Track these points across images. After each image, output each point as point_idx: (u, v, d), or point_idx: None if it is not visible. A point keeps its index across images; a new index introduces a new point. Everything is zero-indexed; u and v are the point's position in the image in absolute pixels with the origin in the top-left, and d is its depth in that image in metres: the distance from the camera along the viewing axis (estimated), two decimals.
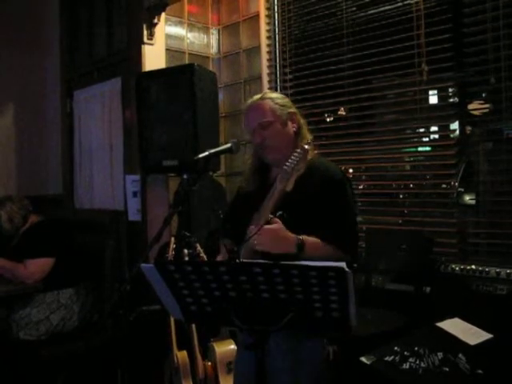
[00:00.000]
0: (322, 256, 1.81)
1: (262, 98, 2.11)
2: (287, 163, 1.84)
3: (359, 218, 3.43)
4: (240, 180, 2.37)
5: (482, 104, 2.96)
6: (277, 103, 2.09)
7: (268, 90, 2.23)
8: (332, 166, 2.10)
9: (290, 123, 2.10)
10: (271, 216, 1.83)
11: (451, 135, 3.08)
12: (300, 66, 3.77)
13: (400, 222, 3.29)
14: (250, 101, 2.17)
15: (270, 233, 1.82)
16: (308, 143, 1.90)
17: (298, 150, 1.84)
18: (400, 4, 3.21)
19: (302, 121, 2.16)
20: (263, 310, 1.48)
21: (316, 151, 2.18)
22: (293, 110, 2.14)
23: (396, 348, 2.07)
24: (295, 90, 3.80)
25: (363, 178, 3.63)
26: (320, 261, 1.55)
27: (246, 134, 2.22)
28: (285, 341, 1.93)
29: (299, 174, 1.86)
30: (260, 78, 3.94)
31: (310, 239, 1.89)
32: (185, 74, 3.33)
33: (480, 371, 1.86)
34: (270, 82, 3.92)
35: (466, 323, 2.22)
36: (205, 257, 2.64)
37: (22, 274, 3.29)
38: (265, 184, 2.11)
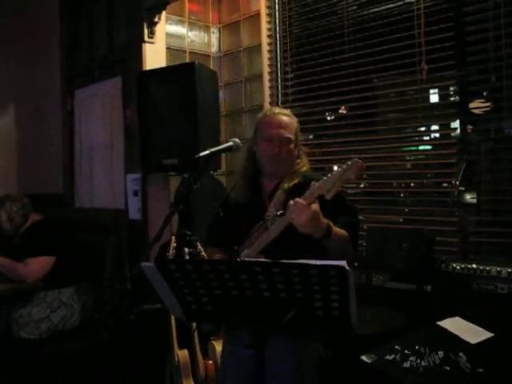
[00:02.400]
0: (340, 246, 2.00)
1: (290, 116, 2.28)
2: (330, 174, 1.94)
3: (360, 217, 3.43)
4: (231, 189, 2.44)
5: (482, 102, 2.96)
6: (297, 126, 2.29)
7: (286, 109, 2.39)
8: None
9: (298, 144, 2.30)
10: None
11: (452, 134, 3.08)
12: (301, 65, 3.77)
13: (401, 220, 3.29)
14: (277, 111, 2.31)
15: (313, 213, 1.88)
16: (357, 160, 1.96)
17: (349, 163, 1.93)
18: (401, 2, 3.20)
19: (304, 148, 2.39)
20: (264, 308, 1.47)
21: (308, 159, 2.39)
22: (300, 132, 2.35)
23: (397, 347, 2.07)
24: (296, 88, 3.80)
25: (364, 176, 3.62)
26: (337, 251, 1.87)
27: (259, 138, 2.30)
28: (286, 341, 1.93)
29: (295, 182, 2.14)
30: (261, 76, 3.94)
31: (337, 228, 2.00)
32: (185, 72, 3.33)
33: (481, 370, 1.86)
34: (270, 80, 3.91)
35: (466, 322, 2.22)
36: (205, 255, 2.64)
37: (22, 272, 3.29)
38: (258, 196, 2.27)
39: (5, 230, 3.43)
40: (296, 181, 2.18)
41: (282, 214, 1.96)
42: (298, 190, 2.05)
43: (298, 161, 2.29)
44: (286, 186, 2.18)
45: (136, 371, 3.18)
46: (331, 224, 1.96)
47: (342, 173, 1.91)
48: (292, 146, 2.23)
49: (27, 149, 4.65)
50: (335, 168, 1.96)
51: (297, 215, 1.88)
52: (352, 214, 2.22)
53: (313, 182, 1.93)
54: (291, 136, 2.22)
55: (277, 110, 2.33)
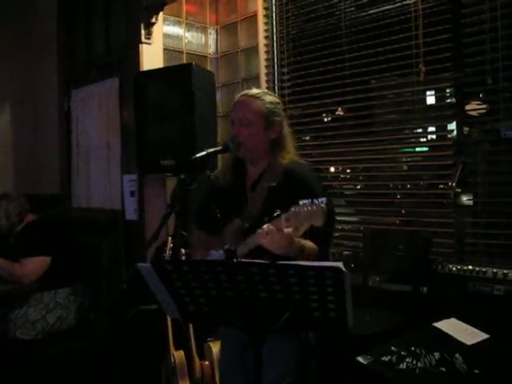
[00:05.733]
0: (308, 259, 1.85)
1: (255, 96, 2.12)
2: (298, 208, 1.72)
3: (357, 218, 3.44)
4: (218, 172, 2.37)
5: (479, 104, 2.96)
6: (267, 107, 2.10)
7: (266, 91, 2.25)
8: (308, 174, 2.11)
9: (271, 130, 2.11)
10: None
11: (449, 136, 3.09)
12: (298, 66, 3.78)
13: (397, 222, 3.29)
14: (244, 92, 2.17)
15: (287, 239, 1.76)
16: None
17: (314, 208, 1.72)
18: (398, 4, 3.21)
19: (287, 131, 2.17)
20: (260, 309, 1.48)
21: (296, 157, 2.18)
22: (280, 118, 2.14)
23: (393, 348, 2.07)
24: (293, 89, 3.81)
25: (361, 178, 3.63)
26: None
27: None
28: (283, 342, 1.93)
29: (275, 184, 1.97)
30: (258, 77, 3.94)
31: (306, 243, 1.90)
32: (183, 73, 3.33)
33: (476, 371, 1.86)
34: (267, 81, 3.92)
35: (462, 323, 2.22)
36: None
37: (18, 272, 3.28)
38: (242, 181, 2.17)
39: (1, 227, 3.43)
40: (277, 181, 2.03)
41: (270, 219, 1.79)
42: (278, 190, 1.98)
43: (280, 153, 2.09)
44: (266, 185, 2.05)
45: (132, 372, 3.18)
46: (304, 244, 1.87)
47: (310, 216, 1.70)
48: (254, 128, 2.07)
49: (24, 149, 4.65)
50: (303, 203, 1.72)
51: (267, 241, 1.76)
52: (329, 225, 2.01)
53: (282, 215, 1.74)
54: (250, 116, 2.06)
55: (246, 91, 2.17)
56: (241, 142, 2.07)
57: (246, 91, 2.18)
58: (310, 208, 1.68)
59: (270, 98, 2.16)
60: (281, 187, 2.02)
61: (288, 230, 1.74)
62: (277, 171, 2.07)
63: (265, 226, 1.79)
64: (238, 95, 2.18)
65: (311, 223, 1.69)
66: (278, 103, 2.18)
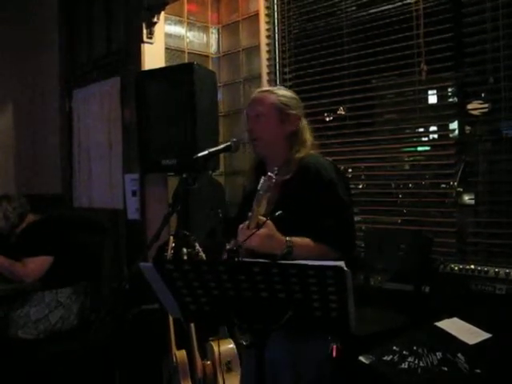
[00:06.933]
0: (312, 256, 1.77)
1: (268, 91, 2.13)
2: (258, 187, 1.80)
3: (358, 218, 3.43)
4: (243, 179, 2.39)
5: (481, 104, 2.96)
6: (281, 100, 2.08)
7: (281, 86, 2.27)
8: (324, 165, 2.07)
9: (287, 123, 2.09)
10: (263, 219, 1.81)
11: (450, 135, 3.08)
12: (299, 65, 3.77)
13: (399, 221, 3.29)
14: (259, 89, 2.19)
15: (259, 238, 1.80)
16: (275, 172, 1.81)
17: (264, 178, 1.79)
18: (399, 3, 3.20)
19: (305, 125, 2.16)
20: (262, 309, 1.47)
21: (313, 150, 2.17)
22: (295, 112, 2.11)
23: (395, 347, 2.07)
24: (294, 89, 3.77)
25: (362, 177, 3.62)
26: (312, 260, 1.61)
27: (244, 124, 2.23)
28: (287, 339, 1.92)
29: (289, 177, 1.96)
30: (259, 77, 3.94)
31: (299, 240, 1.88)
32: (184, 73, 3.33)
33: (479, 371, 1.86)
34: (269, 81, 3.91)
35: (464, 323, 2.22)
36: (203, 256, 2.64)
37: (20, 272, 3.29)
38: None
39: (0, 228, 3.44)
40: (290, 175, 2.01)
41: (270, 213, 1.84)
42: (292, 184, 1.97)
43: (297, 147, 2.08)
44: (280, 179, 1.97)
45: (134, 372, 3.18)
46: (295, 241, 1.86)
47: (268, 187, 1.78)
48: (268, 121, 2.05)
49: (25, 149, 4.65)
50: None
51: (247, 241, 1.79)
52: (337, 214, 1.98)
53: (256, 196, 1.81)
54: (263, 109, 2.05)
55: (261, 88, 2.21)
56: (256, 137, 2.07)
57: (260, 88, 2.21)
58: (263, 181, 1.77)
59: (284, 91, 2.16)
60: (294, 180, 1.99)
61: (264, 231, 1.79)
62: (291, 165, 2.04)
63: (240, 226, 1.83)
64: (254, 93, 2.18)
65: (268, 194, 1.77)
66: (294, 98, 2.16)
